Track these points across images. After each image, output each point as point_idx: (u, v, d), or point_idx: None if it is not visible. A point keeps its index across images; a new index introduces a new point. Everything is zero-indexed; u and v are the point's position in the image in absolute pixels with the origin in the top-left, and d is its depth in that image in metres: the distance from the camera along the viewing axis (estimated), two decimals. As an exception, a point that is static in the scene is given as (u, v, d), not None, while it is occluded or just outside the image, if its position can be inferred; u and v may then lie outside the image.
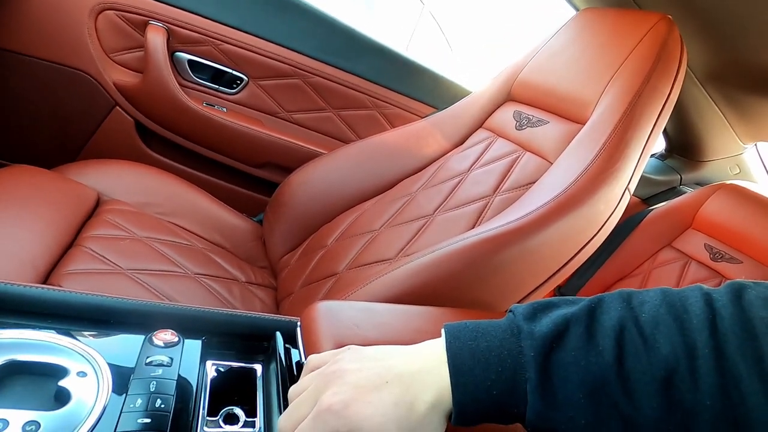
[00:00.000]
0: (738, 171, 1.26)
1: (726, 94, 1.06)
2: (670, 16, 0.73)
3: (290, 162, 1.05)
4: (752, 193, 1.10)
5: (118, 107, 0.97)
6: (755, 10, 0.76)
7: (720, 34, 0.88)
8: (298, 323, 0.45)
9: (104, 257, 0.68)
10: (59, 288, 0.40)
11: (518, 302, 0.62)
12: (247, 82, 1.04)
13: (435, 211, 0.79)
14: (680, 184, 1.28)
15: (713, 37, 0.89)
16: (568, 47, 0.83)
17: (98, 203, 0.81)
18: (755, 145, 1.22)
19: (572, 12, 0.98)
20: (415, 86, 1.14)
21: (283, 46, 1.02)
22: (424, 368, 0.31)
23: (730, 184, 1.15)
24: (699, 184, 1.28)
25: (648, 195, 1.27)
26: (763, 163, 1.27)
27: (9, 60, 0.90)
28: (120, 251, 0.71)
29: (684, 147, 1.24)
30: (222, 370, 0.42)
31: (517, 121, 0.85)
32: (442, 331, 0.33)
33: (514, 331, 0.31)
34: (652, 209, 1.19)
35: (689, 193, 1.18)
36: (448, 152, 0.92)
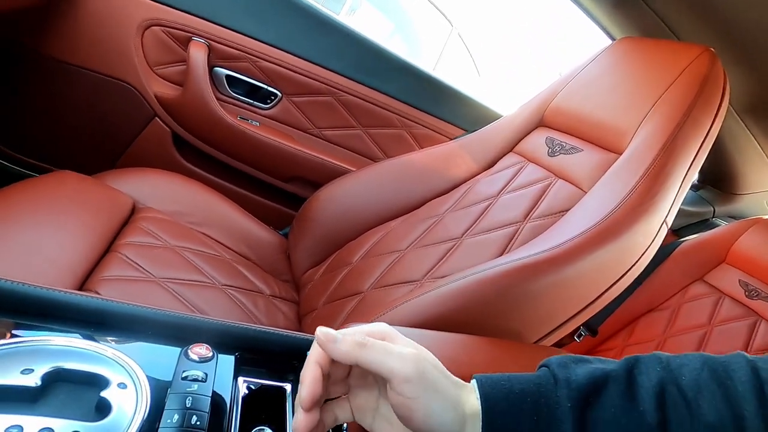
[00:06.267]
0: (774, 206, 1.22)
1: (765, 128, 1.03)
2: (712, 49, 0.72)
3: (318, 177, 1.06)
4: None
5: (157, 118, 1.00)
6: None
7: (761, 66, 0.86)
8: (331, 344, 0.44)
9: (138, 264, 0.70)
10: (103, 297, 0.41)
11: (549, 333, 0.60)
12: (281, 98, 1.06)
13: (463, 234, 0.79)
14: (713, 217, 1.25)
15: (753, 68, 0.87)
16: (605, 75, 0.83)
17: (133, 210, 0.83)
18: (793, 179, 1.18)
19: (603, 41, 0.97)
20: (444, 107, 1.15)
21: (317, 65, 1.04)
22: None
23: (767, 218, 1.12)
24: (732, 217, 1.24)
25: (679, 226, 1.24)
26: (801, 198, 1.23)
27: (59, 69, 0.94)
28: (153, 259, 0.72)
29: (718, 179, 1.21)
30: (253, 387, 0.42)
31: (549, 147, 0.84)
32: (473, 381, 0.32)
33: (549, 379, 0.31)
34: (683, 241, 1.15)
35: (723, 227, 1.14)
36: (477, 175, 0.92)
